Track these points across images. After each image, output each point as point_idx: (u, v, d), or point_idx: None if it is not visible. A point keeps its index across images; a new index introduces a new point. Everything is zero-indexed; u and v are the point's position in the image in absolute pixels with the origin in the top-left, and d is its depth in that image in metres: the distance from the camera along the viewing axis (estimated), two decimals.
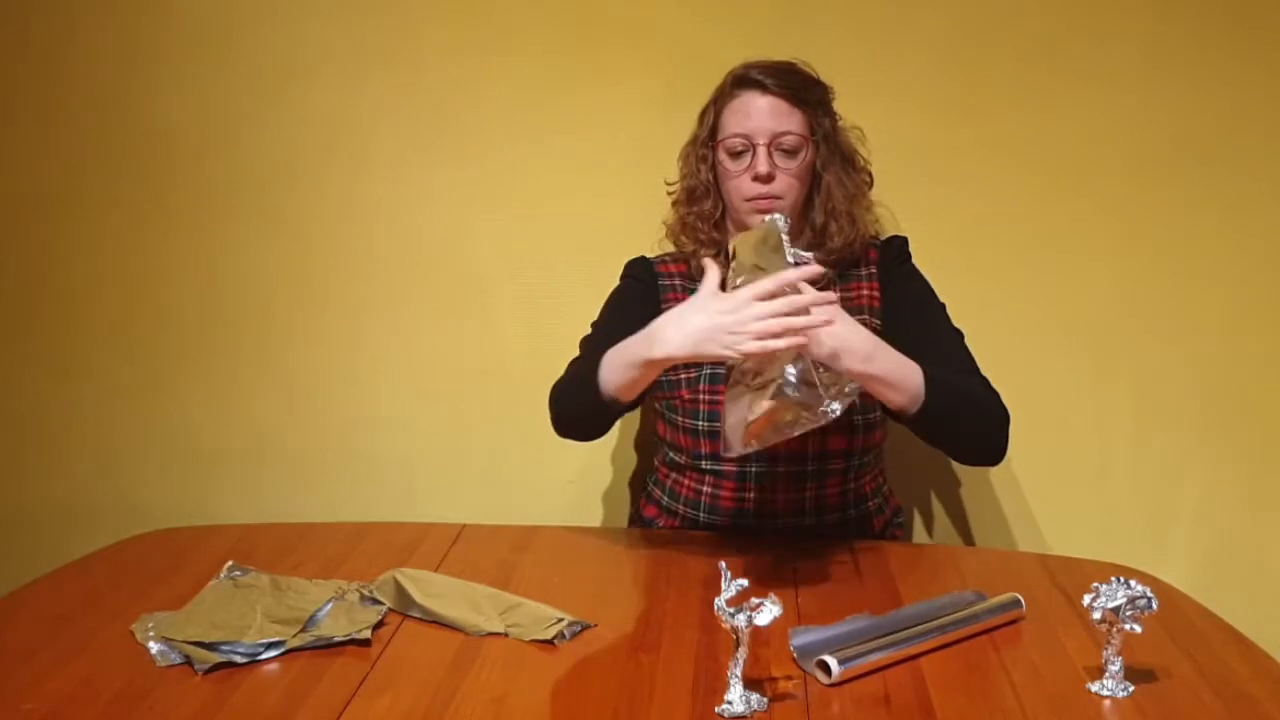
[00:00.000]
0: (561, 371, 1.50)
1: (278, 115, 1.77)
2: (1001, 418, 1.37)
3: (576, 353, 1.52)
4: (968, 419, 1.34)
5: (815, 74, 1.47)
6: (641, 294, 1.54)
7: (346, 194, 1.79)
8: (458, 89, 1.74)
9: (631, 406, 1.42)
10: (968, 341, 1.68)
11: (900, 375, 1.28)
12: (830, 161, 1.46)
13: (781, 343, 1.16)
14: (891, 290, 1.49)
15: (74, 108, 1.80)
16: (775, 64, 1.44)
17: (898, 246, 1.53)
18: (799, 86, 1.43)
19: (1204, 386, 1.71)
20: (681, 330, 1.23)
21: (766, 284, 1.18)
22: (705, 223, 1.50)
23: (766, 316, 1.16)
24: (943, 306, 1.50)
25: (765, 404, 1.17)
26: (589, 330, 1.53)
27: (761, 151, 1.41)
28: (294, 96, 1.76)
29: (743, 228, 1.48)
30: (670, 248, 1.59)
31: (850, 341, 1.23)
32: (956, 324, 1.54)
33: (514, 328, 1.80)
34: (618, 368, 1.33)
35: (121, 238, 1.84)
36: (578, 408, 1.42)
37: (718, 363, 1.43)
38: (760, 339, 1.16)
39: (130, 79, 1.78)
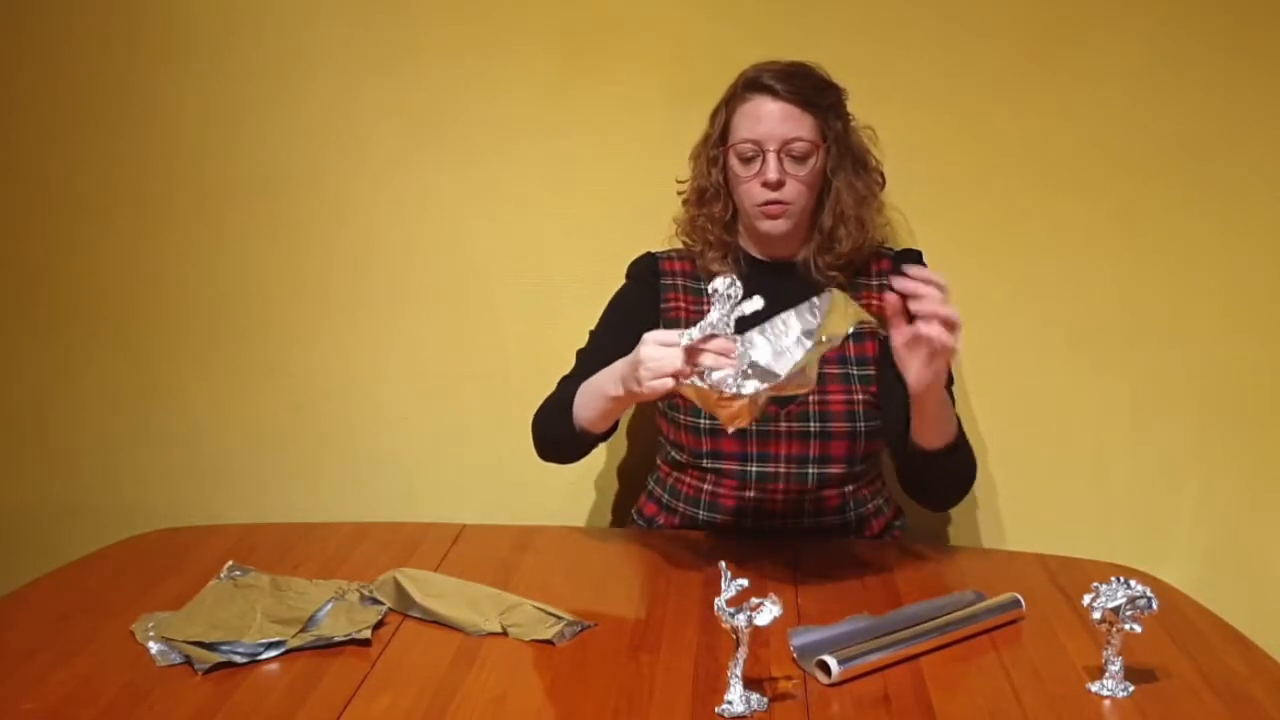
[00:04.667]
0: (561, 373, 1.51)
1: (278, 116, 1.77)
2: (971, 480, 1.43)
3: (577, 352, 1.53)
4: (954, 475, 1.41)
5: (828, 76, 1.46)
6: (641, 298, 1.54)
7: (347, 194, 1.79)
8: (458, 89, 1.74)
9: (606, 436, 1.44)
10: (966, 342, 1.68)
11: (948, 415, 1.33)
12: (841, 165, 1.46)
13: (668, 383, 1.18)
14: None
15: (74, 108, 1.80)
16: (787, 67, 1.44)
17: (913, 263, 1.52)
18: (810, 91, 1.42)
19: (1203, 386, 1.70)
20: (622, 365, 1.27)
21: (692, 332, 1.19)
22: (715, 225, 1.50)
23: (653, 359, 1.19)
24: None
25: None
26: (587, 338, 1.54)
27: (771, 158, 1.40)
28: (294, 97, 1.76)
29: (752, 231, 1.49)
30: (679, 244, 1.59)
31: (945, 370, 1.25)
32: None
33: (514, 328, 1.80)
34: (589, 402, 1.37)
35: (122, 238, 1.84)
36: (555, 436, 1.46)
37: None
38: (655, 377, 1.19)
39: (130, 79, 1.78)
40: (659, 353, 1.19)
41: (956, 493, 1.44)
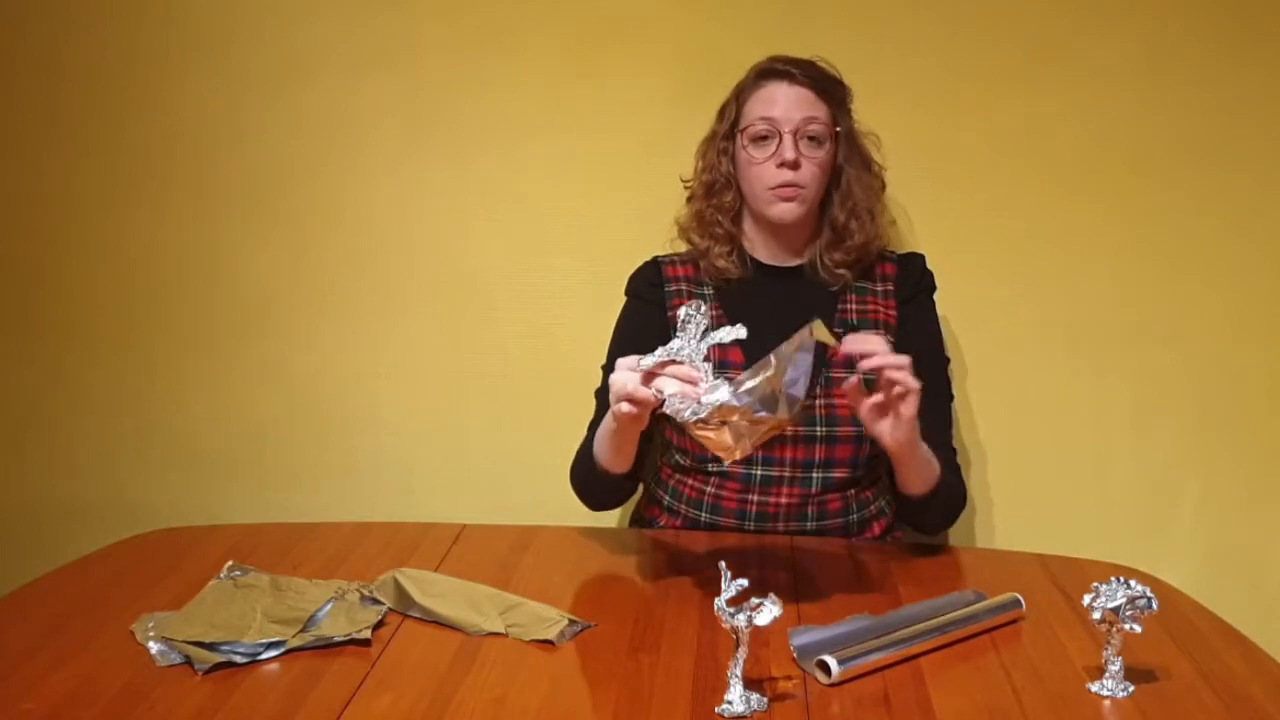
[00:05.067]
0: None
1: (277, 115, 1.77)
2: (960, 510, 1.46)
3: (595, 392, 1.52)
4: (942, 512, 1.45)
5: (837, 73, 1.47)
6: (647, 316, 1.52)
7: (347, 194, 1.79)
8: (457, 88, 1.74)
9: (631, 479, 1.44)
10: (967, 341, 1.68)
11: (928, 458, 1.34)
12: (851, 158, 1.48)
13: (624, 406, 1.18)
14: (908, 324, 1.50)
15: (74, 108, 1.80)
16: (799, 58, 1.45)
17: (919, 268, 1.53)
18: (824, 80, 1.44)
19: (1203, 386, 1.70)
20: None
21: (649, 358, 1.18)
22: (724, 216, 1.50)
23: (615, 381, 1.19)
24: (946, 363, 1.51)
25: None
26: (599, 372, 1.53)
27: (788, 139, 1.41)
28: (293, 96, 1.76)
29: (761, 220, 1.48)
30: (683, 246, 1.58)
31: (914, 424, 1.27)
32: (955, 330, 1.54)
33: (514, 328, 1.80)
34: (600, 440, 1.38)
35: (122, 238, 1.84)
36: (587, 484, 1.48)
37: (722, 365, 1.45)
38: (616, 402, 1.19)
39: (130, 79, 1.78)
40: (620, 376, 1.19)
41: (946, 523, 1.49)
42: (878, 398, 1.24)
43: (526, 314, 1.79)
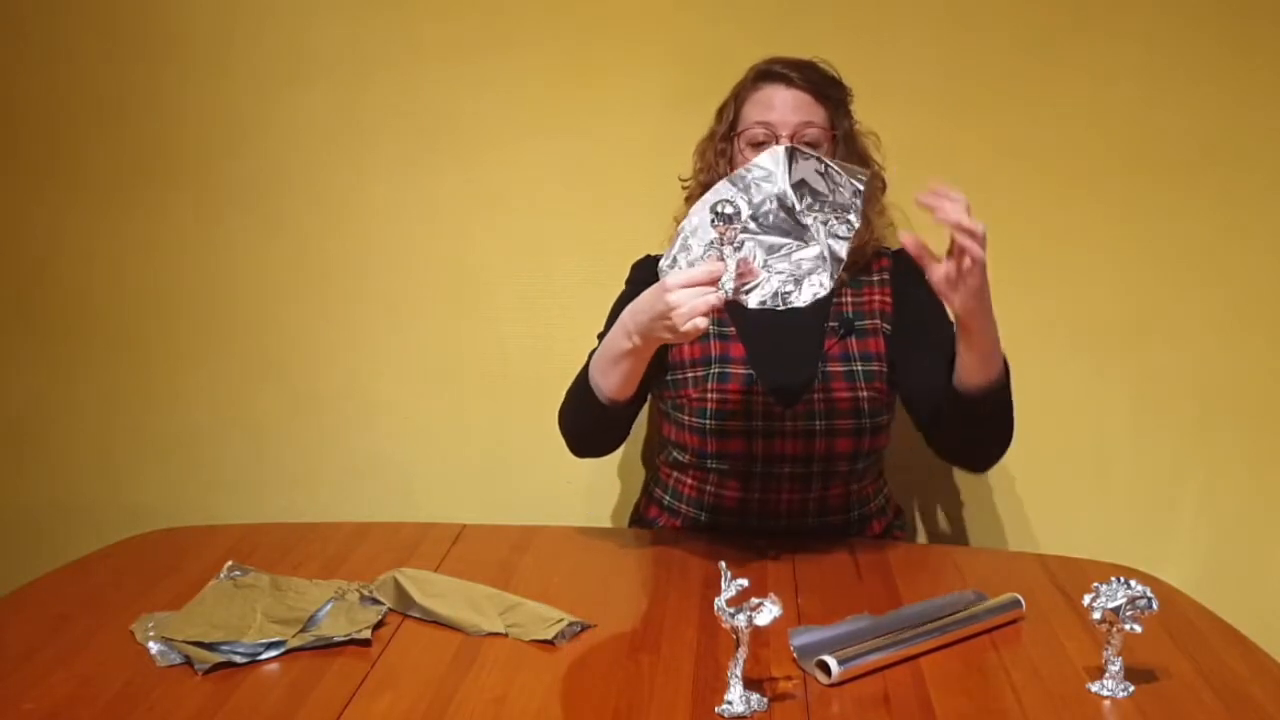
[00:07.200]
0: (561, 373, 1.50)
1: (279, 117, 1.77)
2: (1010, 434, 1.38)
3: (579, 359, 1.50)
4: (1000, 414, 1.35)
5: (836, 73, 1.47)
6: None
7: (347, 194, 1.79)
8: (458, 89, 1.74)
9: (633, 406, 1.42)
10: None
11: (996, 345, 1.29)
12: (848, 160, 1.47)
13: (703, 322, 1.17)
14: (909, 298, 1.49)
15: (75, 110, 1.80)
16: (798, 60, 1.45)
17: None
18: (822, 82, 1.44)
19: (1204, 386, 1.71)
20: (635, 318, 1.25)
21: (696, 272, 1.19)
22: None
23: (685, 302, 1.18)
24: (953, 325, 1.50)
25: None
26: (595, 343, 1.53)
27: (784, 144, 1.40)
28: (295, 98, 1.76)
29: None
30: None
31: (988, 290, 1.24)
32: None
33: (514, 328, 1.80)
34: (605, 368, 1.35)
35: (123, 239, 1.84)
36: (584, 422, 1.44)
37: (723, 359, 1.44)
38: (690, 319, 1.18)
39: (132, 81, 1.78)
40: (687, 297, 1.17)
41: (1002, 439, 1.38)
42: (947, 266, 1.21)
43: (526, 314, 1.80)
